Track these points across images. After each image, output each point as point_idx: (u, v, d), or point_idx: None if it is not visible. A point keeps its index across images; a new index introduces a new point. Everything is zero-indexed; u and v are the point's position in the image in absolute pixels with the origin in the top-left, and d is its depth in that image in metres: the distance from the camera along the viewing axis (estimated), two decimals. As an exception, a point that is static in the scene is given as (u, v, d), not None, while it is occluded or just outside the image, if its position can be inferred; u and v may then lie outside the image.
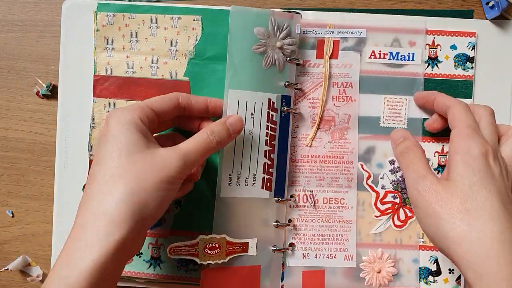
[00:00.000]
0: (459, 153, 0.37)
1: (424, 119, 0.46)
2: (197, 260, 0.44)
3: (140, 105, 0.39)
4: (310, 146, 0.47)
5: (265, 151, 0.45)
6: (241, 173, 0.44)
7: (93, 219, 0.34)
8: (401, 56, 0.46)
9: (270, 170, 0.45)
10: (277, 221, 0.46)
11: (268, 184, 0.45)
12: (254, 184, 0.45)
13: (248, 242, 0.45)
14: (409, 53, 0.46)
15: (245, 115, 0.44)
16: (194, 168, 0.43)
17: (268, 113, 0.45)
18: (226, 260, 0.44)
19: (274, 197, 0.45)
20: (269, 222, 0.46)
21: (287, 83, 0.45)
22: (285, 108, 0.45)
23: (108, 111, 0.47)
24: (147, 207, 0.35)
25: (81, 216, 0.35)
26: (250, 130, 0.44)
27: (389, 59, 0.46)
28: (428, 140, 0.46)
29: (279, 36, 0.45)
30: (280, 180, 0.46)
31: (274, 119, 0.45)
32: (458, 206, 0.35)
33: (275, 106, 0.45)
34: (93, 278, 0.32)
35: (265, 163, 0.45)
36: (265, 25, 0.44)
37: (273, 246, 0.46)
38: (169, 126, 0.45)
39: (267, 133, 0.45)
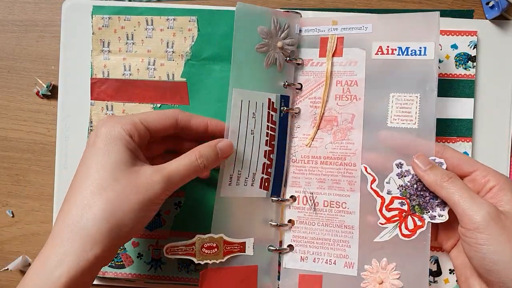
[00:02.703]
0: None
1: (438, 120, 0.43)
2: (194, 259, 0.43)
3: (133, 120, 0.38)
4: (310, 147, 0.45)
5: (265, 151, 0.44)
6: (241, 173, 0.44)
7: (71, 232, 0.34)
8: (411, 51, 0.43)
9: (269, 170, 0.45)
10: (272, 220, 0.45)
11: (266, 184, 0.45)
12: (253, 184, 0.44)
13: (245, 242, 0.44)
14: (420, 47, 0.42)
15: (248, 114, 0.43)
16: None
17: (268, 113, 0.44)
18: (223, 260, 0.43)
19: (271, 196, 0.45)
20: (266, 222, 0.45)
21: (286, 83, 0.45)
22: (284, 108, 0.45)
23: (106, 114, 0.47)
24: (125, 227, 0.35)
25: (59, 227, 0.35)
26: (252, 130, 0.44)
27: (398, 54, 0.43)
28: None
29: (280, 36, 0.45)
30: (278, 180, 0.45)
31: (273, 119, 0.45)
32: None
33: (274, 106, 0.45)
34: None
35: (264, 163, 0.44)
36: (268, 24, 0.44)
37: (270, 246, 0.45)
38: (164, 144, 0.44)
39: (267, 133, 0.44)
